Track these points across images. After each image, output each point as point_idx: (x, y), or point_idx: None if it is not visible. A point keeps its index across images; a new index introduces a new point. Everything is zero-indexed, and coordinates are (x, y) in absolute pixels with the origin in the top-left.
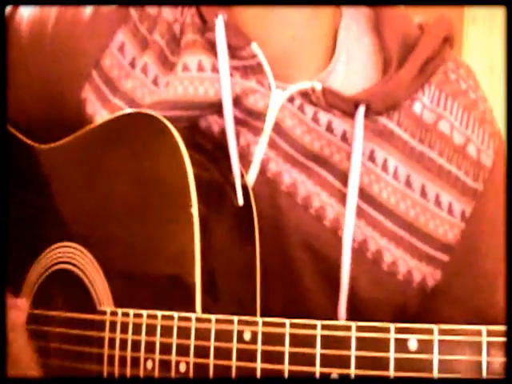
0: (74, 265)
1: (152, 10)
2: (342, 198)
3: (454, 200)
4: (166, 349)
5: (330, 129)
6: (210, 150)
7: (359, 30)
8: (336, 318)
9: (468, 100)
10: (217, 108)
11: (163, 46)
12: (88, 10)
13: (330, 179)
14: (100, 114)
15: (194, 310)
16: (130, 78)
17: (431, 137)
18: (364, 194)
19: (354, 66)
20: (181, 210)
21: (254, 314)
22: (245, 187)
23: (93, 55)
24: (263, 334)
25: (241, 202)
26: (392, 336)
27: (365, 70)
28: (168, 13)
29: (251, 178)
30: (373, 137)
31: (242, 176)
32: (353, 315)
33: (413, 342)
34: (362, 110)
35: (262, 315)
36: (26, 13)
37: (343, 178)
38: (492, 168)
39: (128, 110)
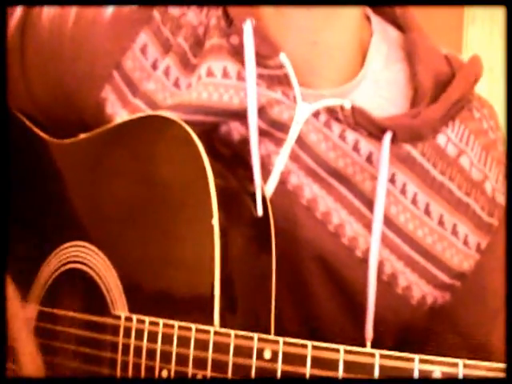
0: (87, 265)
1: (175, 12)
2: (362, 218)
3: (469, 232)
4: (181, 360)
5: (356, 148)
6: (228, 157)
7: (390, 55)
8: (347, 333)
9: (488, 140)
10: (240, 116)
11: (186, 50)
12: (109, 10)
13: (350, 197)
14: (120, 115)
15: (211, 322)
16: (151, 80)
17: (452, 170)
18: (383, 216)
19: (380, 88)
20: (200, 219)
21: (269, 326)
22: (263, 197)
23: (114, 56)
24: (284, 353)
25: (260, 212)
26: (416, 367)
27: (392, 95)
28: (193, 16)
29: (270, 188)
30: (395, 161)
31: (261, 186)
32: (359, 333)
33: (437, 374)
34: (388, 136)
35: (276, 327)
36: (45, 10)
37: (364, 197)
38: (506, 207)
39: (149, 112)
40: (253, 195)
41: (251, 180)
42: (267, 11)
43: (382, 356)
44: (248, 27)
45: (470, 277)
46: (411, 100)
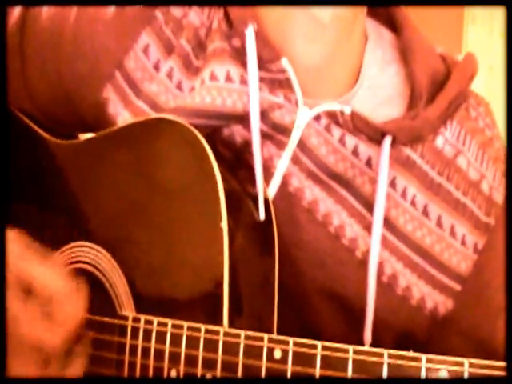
0: (92, 265)
1: (177, 13)
2: (362, 219)
3: (467, 232)
4: (190, 361)
5: (355, 153)
6: (230, 160)
7: (384, 58)
8: (346, 337)
9: (484, 138)
10: (243, 119)
11: (189, 52)
12: (111, 9)
13: (350, 200)
14: (122, 116)
15: (218, 324)
16: (154, 82)
17: (450, 170)
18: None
19: (377, 93)
20: (209, 221)
21: (272, 329)
22: (265, 200)
23: (116, 55)
24: (294, 353)
25: (262, 216)
26: (423, 366)
27: (389, 99)
28: (194, 17)
29: (272, 191)
30: (395, 165)
31: (263, 188)
32: (358, 336)
33: (443, 373)
34: (388, 140)
35: (278, 331)
36: (45, 9)
37: (364, 200)
38: (503, 205)
39: (155, 115)
40: (255, 198)
41: (253, 183)
42: (269, 14)
43: (390, 356)
44: (250, 31)
45: (470, 279)
46: (409, 100)
